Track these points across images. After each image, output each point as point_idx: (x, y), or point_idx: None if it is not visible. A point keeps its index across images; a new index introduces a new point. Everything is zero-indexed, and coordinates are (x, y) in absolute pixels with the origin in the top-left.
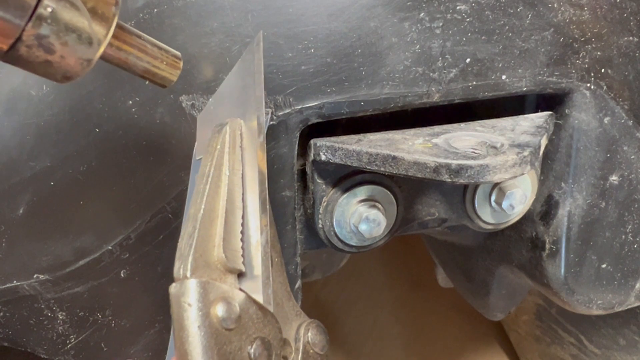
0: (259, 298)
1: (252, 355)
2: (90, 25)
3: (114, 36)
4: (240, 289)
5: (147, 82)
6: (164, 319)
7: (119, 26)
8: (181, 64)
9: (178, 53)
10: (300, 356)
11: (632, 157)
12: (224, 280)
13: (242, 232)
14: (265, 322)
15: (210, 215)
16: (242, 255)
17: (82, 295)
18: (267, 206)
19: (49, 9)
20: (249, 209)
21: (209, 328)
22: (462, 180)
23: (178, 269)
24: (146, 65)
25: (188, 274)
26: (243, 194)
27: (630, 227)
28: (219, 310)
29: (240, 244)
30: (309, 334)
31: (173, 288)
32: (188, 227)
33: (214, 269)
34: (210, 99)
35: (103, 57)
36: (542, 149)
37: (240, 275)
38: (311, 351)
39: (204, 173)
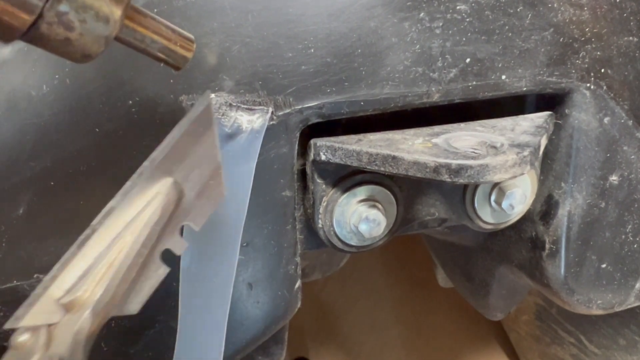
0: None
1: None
2: (106, 3)
3: (130, 18)
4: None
5: (161, 65)
6: (164, 318)
7: (134, 9)
8: (194, 46)
9: (191, 36)
10: None
11: (632, 157)
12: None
13: None
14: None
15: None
16: None
17: None
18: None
19: None
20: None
21: None
22: (462, 180)
23: None
24: (161, 47)
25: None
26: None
27: (630, 227)
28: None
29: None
30: None
31: None
32: None
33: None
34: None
35: (120, 39)
36: (542, 148)
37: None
38: None
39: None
